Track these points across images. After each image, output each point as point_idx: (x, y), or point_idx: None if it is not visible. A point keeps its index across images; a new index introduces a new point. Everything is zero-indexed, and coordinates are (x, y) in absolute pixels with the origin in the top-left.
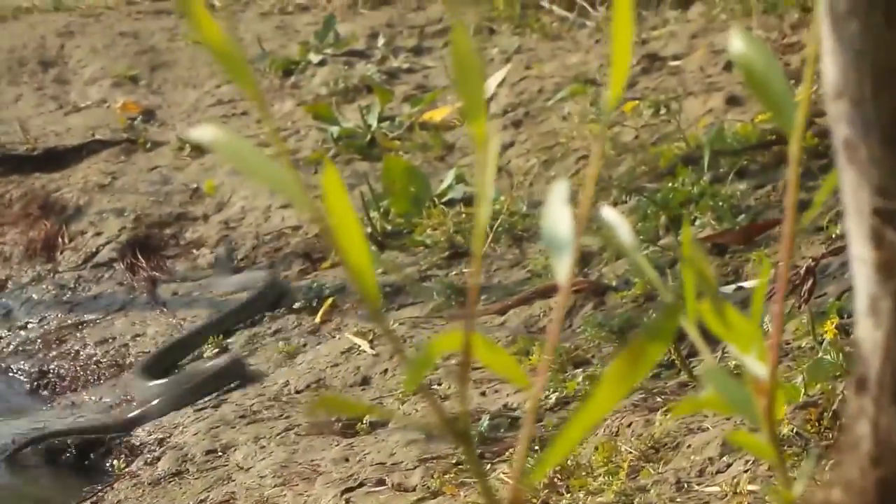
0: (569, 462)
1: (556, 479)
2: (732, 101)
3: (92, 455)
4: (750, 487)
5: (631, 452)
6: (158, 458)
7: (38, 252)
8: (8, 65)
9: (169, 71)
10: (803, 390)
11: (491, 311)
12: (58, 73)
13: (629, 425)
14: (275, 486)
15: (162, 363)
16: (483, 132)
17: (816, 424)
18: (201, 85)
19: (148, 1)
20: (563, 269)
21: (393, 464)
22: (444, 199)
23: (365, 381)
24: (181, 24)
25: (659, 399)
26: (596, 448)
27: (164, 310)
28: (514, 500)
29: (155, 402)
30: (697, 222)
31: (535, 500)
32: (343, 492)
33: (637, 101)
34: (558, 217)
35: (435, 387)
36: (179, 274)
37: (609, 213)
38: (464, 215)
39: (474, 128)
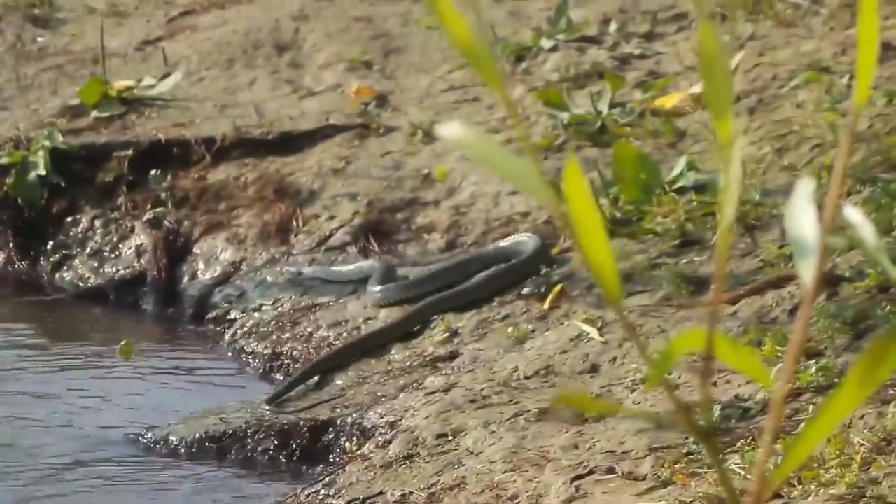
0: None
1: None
2: None
3: (323, 437)
4: None
5: (863, 444)
6: (390, 441)
7: (273, 235)
8: (243, 48)
9: (402, 56)
10: None
11: (722, 300)
12: (292, 57)
13: (861, 417)
14: (504, 471)
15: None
16: (729, 130)
17: None
18: (434, 70)
19: None
20: (808, 270)
21: (623, 452)
22: (674, 187)
23: (594, 369)
24: (415, 9)
25: (892, 391)
26: (828, 440)
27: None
28: (757, 495)
29: None
30: None
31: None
32: (573, 479)
33: (871, 91)
34: (803, 216)
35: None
36: (410, 258)
37: (852, 213)
38: (695, 203)
39: (720, 125)
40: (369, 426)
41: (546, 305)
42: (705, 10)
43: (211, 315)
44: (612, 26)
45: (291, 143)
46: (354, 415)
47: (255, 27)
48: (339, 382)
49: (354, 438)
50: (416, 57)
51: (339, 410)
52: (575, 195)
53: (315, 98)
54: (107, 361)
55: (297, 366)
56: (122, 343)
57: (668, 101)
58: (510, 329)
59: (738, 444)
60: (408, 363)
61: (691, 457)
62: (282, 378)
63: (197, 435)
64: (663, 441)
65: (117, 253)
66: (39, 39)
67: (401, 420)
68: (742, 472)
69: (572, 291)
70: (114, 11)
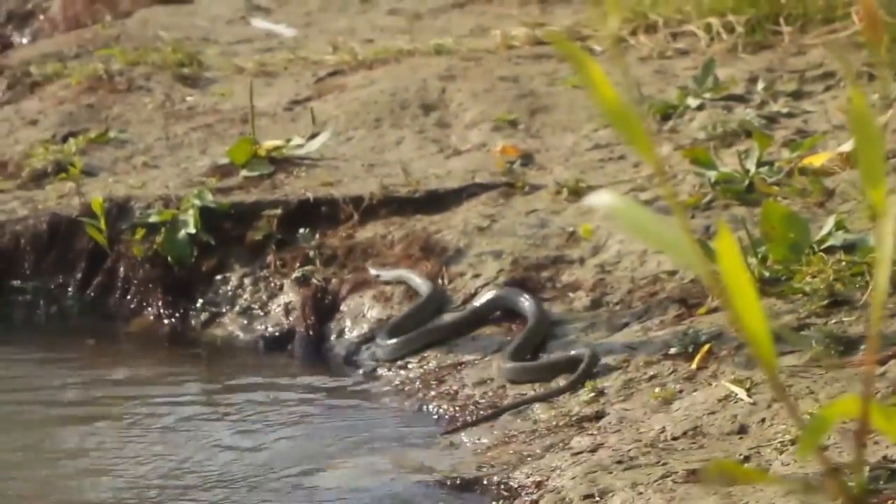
0: None
1: None
2: None
3: (469, 497)
4: None
5: None
6: (536, 502)
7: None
8: (391, 108)
9: (547, 115)
10: None
11: (874, 361)
12: (439, 117)
13: None
14: None
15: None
16: (883, 198)
17: None
18: (579, 129)
19: (528, 45)
20: None
21: None
22: (823, 246)
23: (742, 430)
24: (560, 68)
25: None
26: None
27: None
28: None
29: None
30: None
31: None
32: None
33: None
34: None
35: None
36: (556, 317)
37: None
38: (844, 263)
39: (874, 195)
40: (515, 486)
41: (694, 365)
42: (853, 70)
43: (359, 372)
44: (760, 85)
45: (437, 201)
46: (500, 474)
47: (402, 87)
48: (484, 441)
49: (501, 499)
50: (561, 116)
51: (484, 470)
52: (727, 259)
53: (461, 157)
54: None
55: (442, 424)
56: (270, 399)
57: (817, 160)
58: (657, 389)
59: None
60: (554, 423)
61: None
62: (428, 433)
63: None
64: (813, 501)
65: (266, 310)
66: (188, 99)
67: (547, 480)
68: None
69: (720, 351)
70: (262, 71)
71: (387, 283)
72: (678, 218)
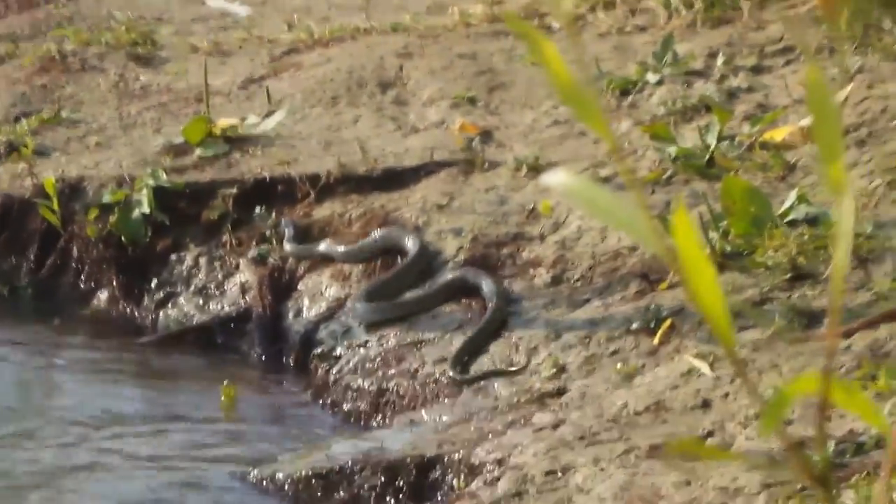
0: None
1: None
2: None
3: (431, 474)
4: None
5: None
6: (498, 479)
7: (378, 270)
8: (347, 86)
9: (506, 92)
10: None
11: (837, 335)
12: (396, 95)
13: None
14: None
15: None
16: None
17: None
18: (538, 105)
19: (486, 22)
20: None
21: (736, 489)
22: (785, 220)
23: (705, 405)
24: (519, 45)
25: None
26: None
27: (502, 329)
28: None
29: None
30: None
31: None
32: None
33: None
34: None
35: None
36: (516, 294)
37: None
38: (806, 236)
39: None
40: (477, 463)
41: (656, 341)
42: (811, 45)
43: (316, 351)
44: (719, 60)
45: (396, 179)
46: (462, 451)
47: (359, 65)
48: (445, 419)
49: (462, 475)
50: (520, 92)
51: (445, 447)
52: (683, 237)
53: (419, 135)
54: (212, 400)
55: (402, 403)
56: (224, 385)
57: (778, 134)
58: (619, 364)
59: (853, 480)
60: (515, 399)
61: (806, 492)
62: (388, 414)
63: (303, 472)
64: (777, 477)
65: (222, 290)
66: (142, 78)
67: (509, 457)
68: None
69: (682, 326)
70: (217, 50)
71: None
72: (634, 195)
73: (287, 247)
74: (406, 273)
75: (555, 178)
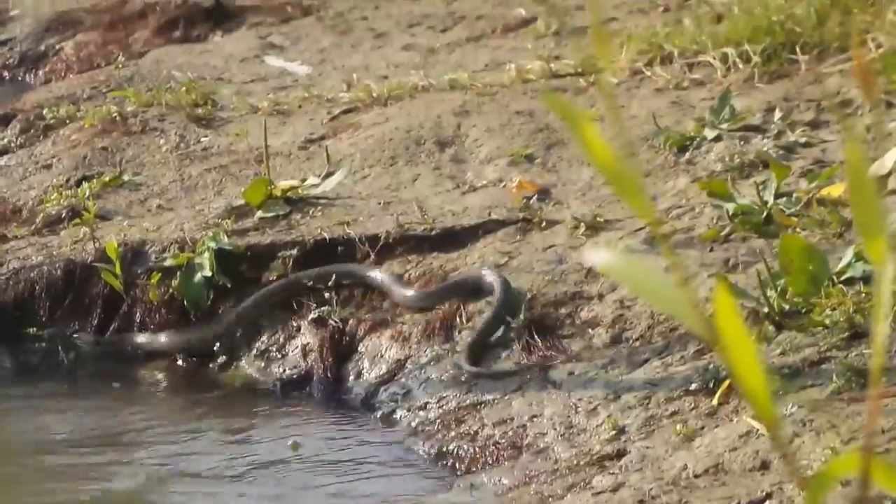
0: None
1: None
2: None
3: None
4: None
5: None
6: None
7: (437, 332)
8: (406, 145)
9: (564, 149)
10: None
11: (891, 393)
12: (454, 153)
13: None
14: None
15: None
16: (881, 251)
17: None
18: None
19: (543, 79)
20: None
21: None
22: (843, 278)
23: (764, 466)
24: (576, 101)
25: None
26: None
27: (560, 391)
28: None
29: None
30: None
31: None
32: None
33: None
34: None
35: None
36: (574, 354)
37: None
38: (863, 294)
39: (871, 247)
40: None
41: (715, 401)
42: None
43: (377, 414)
44: (777, 114)
45: (454, 238)
46: None
47: (417, 123)
48: (505, 482)
49: None
50: (577, 150)
51: None
52: (725, 317)
53: (477, 193)
54: (281, 455)
55: (462, 465)
56: (291, 443)
57: (835, 191)
58: (679, 426)
59: None
60: (574, 462)
61: None
62: (447, 475)
63: None
64: None
65: (284, 353)
66: (203, 139)
67: None
68: None
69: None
70: (277, 110)
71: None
72: (677, 280)
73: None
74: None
75: (598, 256)
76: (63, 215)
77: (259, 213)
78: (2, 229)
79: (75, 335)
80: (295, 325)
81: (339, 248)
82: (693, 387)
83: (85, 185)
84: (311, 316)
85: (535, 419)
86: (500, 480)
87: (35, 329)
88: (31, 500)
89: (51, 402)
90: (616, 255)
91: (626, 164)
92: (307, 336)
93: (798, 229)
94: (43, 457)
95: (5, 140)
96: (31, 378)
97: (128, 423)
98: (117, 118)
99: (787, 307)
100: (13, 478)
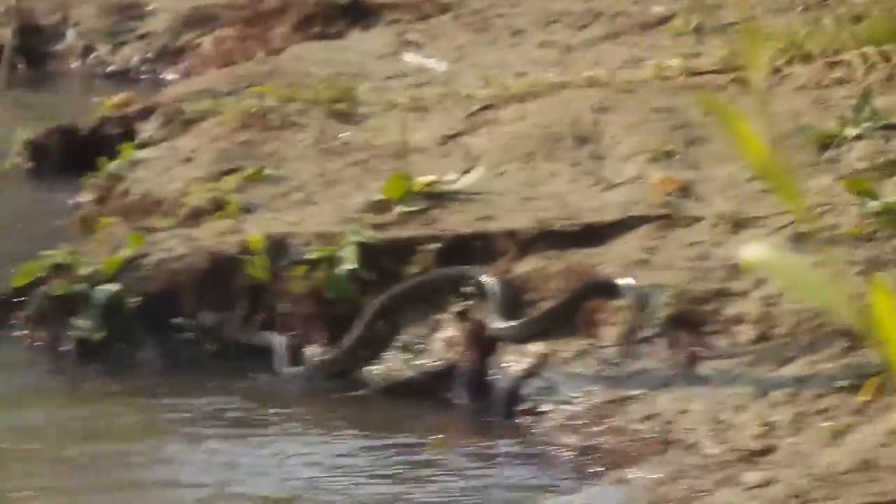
0: None
1: None
2: None
3: None
4: None
5: None
6: None
7: (581, 327)
8: (544, 141)
9: (704, 145)
10: None
11: None
12: (593, 149)
13: None
14: None
15: None
16: None
17: None
18: (737, 159)
19: (682, 76)
20: None
21: None
22: None
23: None
24: (716, 98)
25: None
26: None
27: (707, 387)
28: None
29: None
30: None
31: None
32: None
33: None
34: None
35: None
36: (720, 350)
37: None
38: None
39: None
40: None
41: (864, 398)
42: None
43: (522, 407)
44: None
45: (594, 235)
46: None
47: (555, 120)
48: (654, 477)
49: None
50: (718, 146)
51: None
52: (884, 313)
53: (616, 189)
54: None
55: (609, 460)
56: (437, 438)
57: None
58: (828, 422)
59: None
60: (724, 458)
61: None
62: (594, 472)
63: None
64: None
65: (427, 346)
66: (343, 135)
67: None
68: None
69: (891, 383)
70: (415, 106)
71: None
72: (830, 276)
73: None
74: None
75: (752, 252)
76: (206, 208)
77: (398, 208)
78: (145, 221)
79: (220, 327)
80: (438, 318)
81: (477, 243)
82: (841, 384)
83: (227, 178)
84: (454, 309)
85: (682, 415)
86: (648, 475)
87: (180, 320)
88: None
89: (195, 392)
90: (769, 251)
91: (778, 160)
92: (451, 329)
93: None
94: (188, 444)
95: (147, 134)
96: (176, 369)
97: (269, 414)
98: (257, 113)
99: None
100: (168, 460)
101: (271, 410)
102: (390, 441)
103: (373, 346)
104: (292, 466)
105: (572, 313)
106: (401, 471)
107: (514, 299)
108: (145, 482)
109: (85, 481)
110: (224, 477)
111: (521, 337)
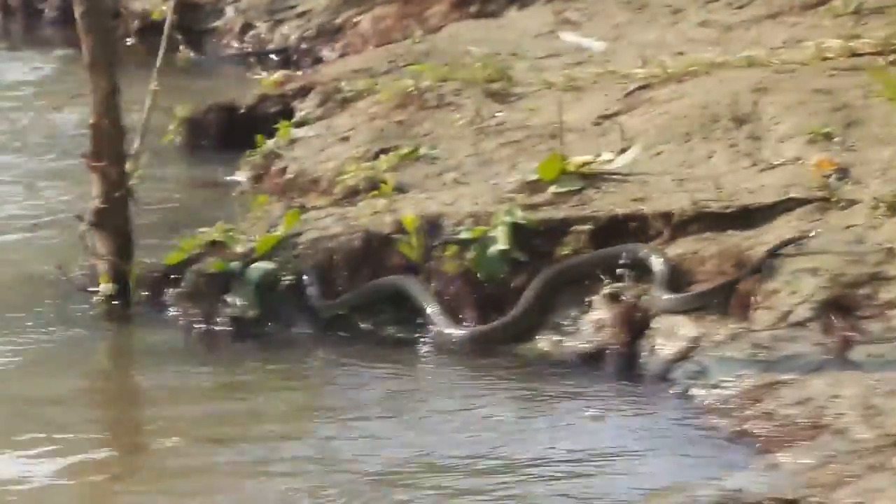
0: None
1: None
2: None
3: None
4: None
5: None
6: None
7: (733, 310)
8: (701, 121)
9: (863, 128)
10: None
11: None
12: (751, 130)
13: None
14: None
15: None
16: None
17: None
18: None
19: (843, 57)
20: None
21: None
22: None
23: None
24: (875, 81)
25: None
26: None
27: (860, 371)
28: None
29: None
30: None
31: None
32: None
33: None
34: None
35: None
36: (874, 335)
37: None
38: None
39: None
40: None
41: None
42: None
43: (672, 390)
44: None
45: (750, 216)
46: (820, 496)
47: (713, 100)
48: (803, 462)
49: None
50: (877, 128)
51: (804, 491)
52: None
53: (774, 171)
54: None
55: (759, 444)
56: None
57: None
58: None
59: None
60: (874, 443)
61: None
62: (744, 456)
63: None
64: None
65: (578, 327)
66: (498, 114)
67: (870, 502)
68: None
69: None
70: (571, 86)
71: None
72: None
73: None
74: None
75: None
76: (361, 187)
77: (553, 189)
78: (301, 199)
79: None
80: (588, 300)
81: (631, 224)
82: None
83: (382, 157)
84: (605, 291)
85: (834, 399)
86: (798, 459)
87: (333, 297)
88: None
89: (351, 367)
90: None
91: None
92: (601, 311)
93: None
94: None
95: (304, 112)
96: (329, 342)
97: (425, 391)
98: (413, 92)
99: None
100: (333, 439)
101: (441, 380)
102: (541, 418)
103: (534, 321)
104: (479, 428)
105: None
106: (551, 450)
107: (676, 275)
108: (313, 461)
109: (254, 462)
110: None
111: (689, 308)
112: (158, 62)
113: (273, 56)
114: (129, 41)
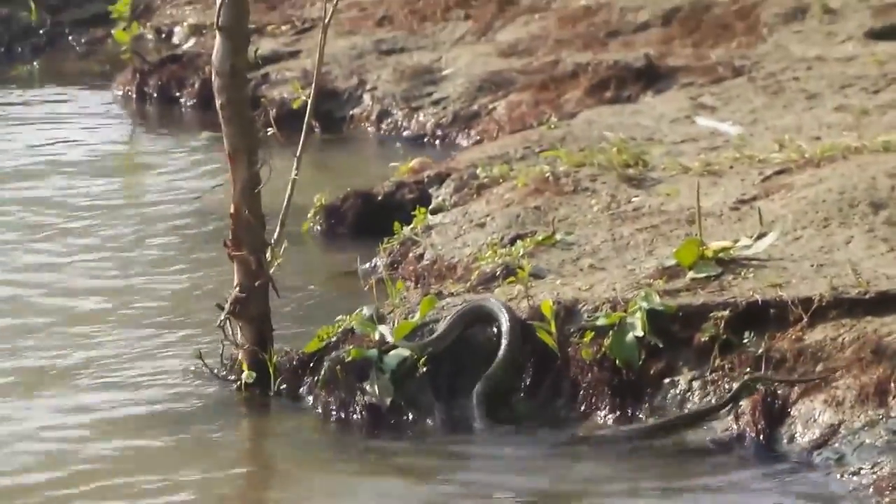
0: None
1: None
2: None
3: None
4: None
5: None
6: None
7: (871, 397)
8: (839, 206)
9: None
10: None
11: None
12: (889, 215)
13: None
14: None
15: None
16: None
17: None
18: None
19: None
20: None
21: None
22: None
23: None
24: None
25: None
26: None
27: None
28: None
29: None
30: None
31: None
32: None
33: None
34: None
35: None
36: None
37: None
38: None
39: None
40: None
41: None
42: None
43: (810, 478)
44: None
45: (889, 303)
46: None
47: (851, 185)
48: None
49: None
50: None
51: None
52: None
53: None
54: None
55: None
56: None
57: None
58: None
59: None
60: None
61: None
62: None
63: None
64: None
65: (715, 415)
66: (634, 199)
67: None
68: None
69: None
70: (708, 170)
71: None
72: None
73: None
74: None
75: None
76: (497, 273)
77: (690, 274)
78: (437, 286)
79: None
80: (726, 387)
81: (770, 310)
82: None
83: (518, 243)
84: (743, 379)
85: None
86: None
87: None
88: None
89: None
90: None
91: None
92: (739, 398)
93: None
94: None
95: (440, 198)
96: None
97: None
98: (549, 178)
99: None
100: None
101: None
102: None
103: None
104: None
105: None
106: None
107: None
108: None
109: None
110: None
111: None
112: (299, 151)
113: (410, 142)
114: (270, 130)
